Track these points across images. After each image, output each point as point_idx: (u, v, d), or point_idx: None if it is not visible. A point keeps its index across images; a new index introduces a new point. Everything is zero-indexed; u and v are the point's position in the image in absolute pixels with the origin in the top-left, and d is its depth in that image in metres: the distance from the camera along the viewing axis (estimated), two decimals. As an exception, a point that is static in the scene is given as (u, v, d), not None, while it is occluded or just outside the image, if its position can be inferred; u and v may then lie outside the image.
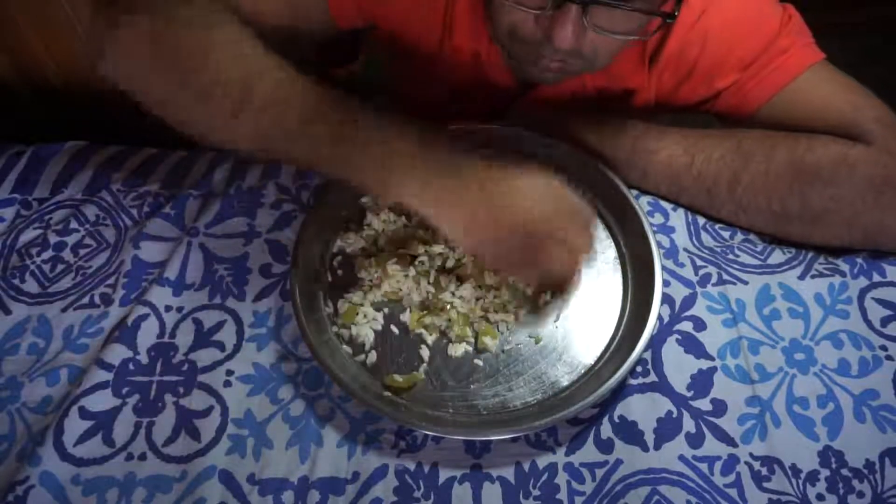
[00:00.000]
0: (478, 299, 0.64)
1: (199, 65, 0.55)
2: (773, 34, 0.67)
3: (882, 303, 0.65)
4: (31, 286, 0.69)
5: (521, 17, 0.59)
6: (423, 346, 0.63)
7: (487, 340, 0.62)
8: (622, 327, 0.63)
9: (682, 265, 0.68)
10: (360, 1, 0.71)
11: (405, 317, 0.64)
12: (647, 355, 0.63)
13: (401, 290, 0.65)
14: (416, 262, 0.66)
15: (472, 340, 0.63)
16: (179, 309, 0.67)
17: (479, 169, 0.54)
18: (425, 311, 0.64)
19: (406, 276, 0.65)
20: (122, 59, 0.58)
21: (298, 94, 0.54)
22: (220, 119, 0.55)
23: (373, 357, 0.62)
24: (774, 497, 0.56)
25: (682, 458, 0.58)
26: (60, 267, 0.71)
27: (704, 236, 0.71)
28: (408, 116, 0.55)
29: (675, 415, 0.60)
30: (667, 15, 0.56)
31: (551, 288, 0.64)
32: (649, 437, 0.59)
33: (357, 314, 0.64)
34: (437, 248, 0.66)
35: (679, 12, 0.56)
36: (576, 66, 0.63)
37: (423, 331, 0.63)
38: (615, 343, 0.62)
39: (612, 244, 0.69)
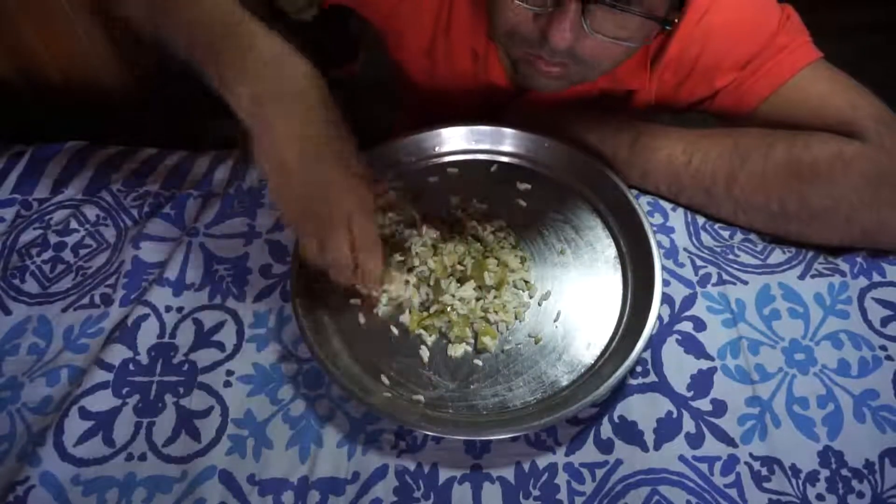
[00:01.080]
0: (478, 300, 0.64)
1: None
2: (771, 33, 0.67)
3: (882, 303, 0.65)
4: (31, 286, 0.69)
5: (520, 17, 0.58)
6: (422, 347, 0.63)
7: (487, 340, 0.62)
8: (622, 327, 0.63)
9: (682, 265, 0.68)
10: None
11: (405, 318, 0.64)
12: (647, 355, 0.63)
13: (401, 294, 0.65)
14: (415, 271, 0.66)
15: (472, 341, 0.63)
16: (179, 309, 0.67)
17: (318, 111, 0.55)
18: (425, 313, 0.64)
19: (407, 281, 0.65)
20: None
21: None
22: (141, 12, 0.62)
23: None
24: (774, 497, 0.56)
25: (682, 458, 0.58)
26: (60, 267, 0.71)
27: (704, 236, 0.71)
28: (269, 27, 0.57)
29: (675, 415, 0.60)
30: (666, 21, 0.56)
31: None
32: (649, 438, 0.59)
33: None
34: (434, 259, 0.66)
35: (679, 20, 0.56)
36: (575, 72, 0.63)
37: (422, 332, 0.63)
38: (615, 343, 0.62)
39: (612, 244, 0.69)
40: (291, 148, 0.54)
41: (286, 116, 0.54)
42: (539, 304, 0.65)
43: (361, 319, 0.64)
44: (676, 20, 0.56)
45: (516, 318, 0.64)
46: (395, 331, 0.64)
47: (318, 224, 0.56)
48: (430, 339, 0.63)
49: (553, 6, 0.55)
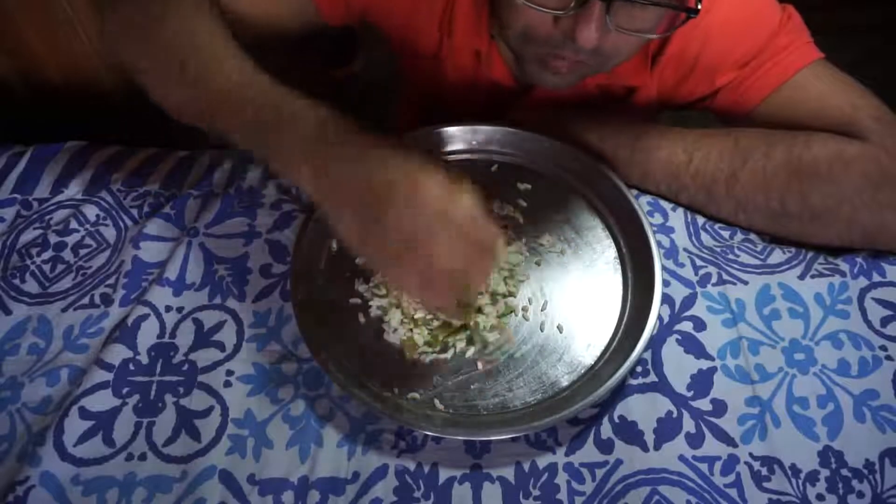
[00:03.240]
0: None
1: (153, 34, 0.62)
2: (772, 32, 0.67)
3: (882, 303, 0.65)
4: (31, 286, 0.69)
5: (537, 19, 0.58)
6: (423, 346, 0.63)
7: (487, 335, 0.62)
8: (622, 327, 0.63)
9: (682, 265, 0.68)
10: None
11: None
12: (647, 355, 0.63)
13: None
14: None
15: (473, 341, 0.63)
16: (179, 309, 0.67)
17: (376, 157, 0.50)
18: (438, 332, 0.63)
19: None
20: (110, 35, 0.67)
21: (224, 71, 0.58)
22: (164, 86, 0.62)
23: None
24: (774, 497, 0.56)
25: (682, 458, 0.58)
26: (60, 267, 0.71)
27: (704, 236, 0.71)
28: (321, 101, 0.54)
29: (675, 415, 0.60)
30: (690, 10, 0.56)
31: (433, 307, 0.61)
32: (649, 438, 0.59)
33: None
34: None
35: (700, 6, 0.56)
36: (590, 64, 0.63)
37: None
38: (615, 343, 0.62)
39: (612, 244, 0.69)
40: (371, 203, 0.49)
41: (350, 174, 0.50)
42: (539, 305, 0.65)
43: (361, 319, 0.64)
44: (700, 6, 0.56)
45: (516, 316, 0.64)
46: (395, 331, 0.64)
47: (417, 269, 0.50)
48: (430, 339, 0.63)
49: (576, 7, 0.54)
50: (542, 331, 0.64)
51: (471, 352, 0.62)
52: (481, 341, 0.63)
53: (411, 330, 0.63)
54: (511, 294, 0.65)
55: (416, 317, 0.63)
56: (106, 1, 0.67)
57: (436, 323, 0.63)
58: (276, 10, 0.69)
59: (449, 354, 0.62)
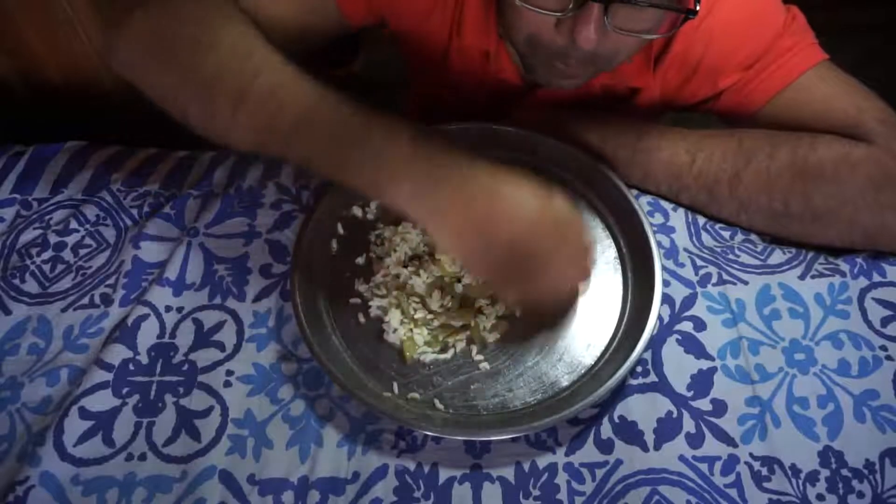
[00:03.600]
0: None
1: (200, 60, 0.57)
2: (776, 34, 0.67)
3: (882, 303, 0.65)
4: (31, 286, 0.69)
5: (540, 24, 0.58)
6: (423, 346, 0.63)
7: (487, 335, 0.62)
8: (622, 327, 0.63)
9: (682, 265, 0.68)
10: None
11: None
12: (647, 355, 0.63)
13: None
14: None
15: (473, 340, 0.63)
16: (179, 309, 0.67)
17: (478, 174, 0.52)
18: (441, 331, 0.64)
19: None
20: (126, 54, 0.61)
21: (295, 94, 0.55)
22: (218, 115, 0.57)
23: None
24: (774, 497, 0.56)
25: (682, 458, 0.58)
26: (60, 267, 0.71)
27: (704, 236, 0.71)
28: (404, 117, 0.54)
29: (675, 415, 0.60)
30: (688, 11, 0.56)
31: (538, 315, 0.64)
32: (649, 438, 0.59)
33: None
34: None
35: (699, 6, 0.56)
36: (592, 68, 0.63)
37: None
38: (615, 343, 0.62)
39: (612, 244, 0.69)
40: (469, 220, 0.51)
41: (453, 196, 0.51)
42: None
43: (361, 319, 0.64)
44: (698, 7, 0.56)
45: (516, 315, 0.64)
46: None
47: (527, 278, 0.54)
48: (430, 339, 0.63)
49: (574, 10, 0.55)
50: (542, 331, 0.64)
51: (471, 352, 0.62)
52: (481, 341, 0.63)
53: (411, 330, 0.63)
54: None
55: (416, 317, 0.63)
56: (115, 9, 0.61)
57: (436, 323, 0.63)
58: (300, 14, 0.68)
59: (449, 354, 0.62)
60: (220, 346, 0.64)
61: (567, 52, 0.59)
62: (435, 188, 0.52)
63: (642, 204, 0.71)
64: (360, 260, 0.68)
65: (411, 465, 0.58)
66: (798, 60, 0.67)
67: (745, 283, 0.67)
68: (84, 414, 0.60)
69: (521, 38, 0.61)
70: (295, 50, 0.59)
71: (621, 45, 0.59)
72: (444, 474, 0.58)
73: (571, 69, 0.62)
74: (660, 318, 0.63)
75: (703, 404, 0.60)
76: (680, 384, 0.61)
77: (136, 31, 0.60)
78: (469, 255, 0.54)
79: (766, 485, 0.56)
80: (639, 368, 0.62)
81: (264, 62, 0.56)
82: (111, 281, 0.69)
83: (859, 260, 0.67)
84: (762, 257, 0.68)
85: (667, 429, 0.59)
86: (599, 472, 0.57)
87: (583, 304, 0.65)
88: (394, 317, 0.63)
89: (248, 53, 0.57)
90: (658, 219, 0.72)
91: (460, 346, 0.63)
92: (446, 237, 0.53)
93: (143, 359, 0.64)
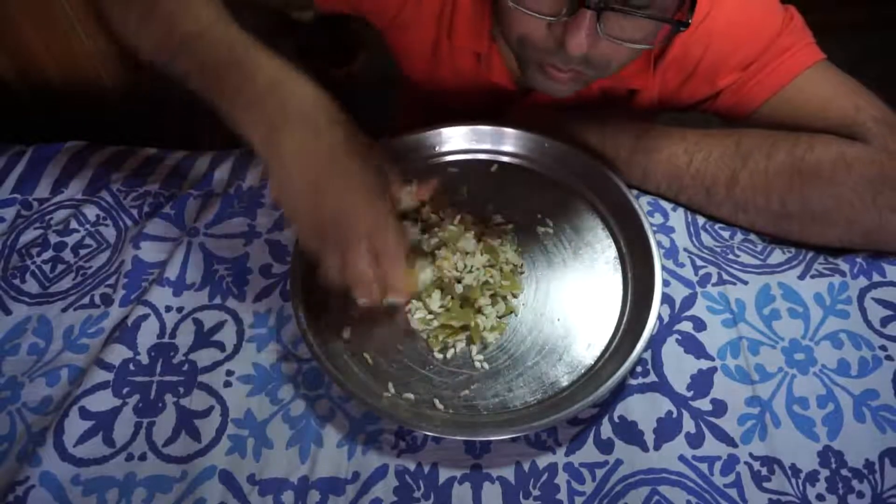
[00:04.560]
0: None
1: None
2: (774, 34, 0.67)
3: (882, 303, 0.65)
4: (31, 286, 0.69)
5: (533, 25, 0.58)
6: (423, 346, 0.63)
7: (487, 335, 0.62)
8: (622, 327, 0.63)
9: (682, 265, 0.68)
10: None
11: (410, 316, 0.64)
12: (647, 355, 0.63)
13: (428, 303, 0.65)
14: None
15: (473, 340, 0.63)
16: (179, 309, 0.67)
17: (332, 138, 0.55)
18: (446, 328, 0.64)
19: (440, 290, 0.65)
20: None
21: (192, 14, 0.59)
22: (129, 24, 0.63)
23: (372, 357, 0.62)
24: (774, 497, 0.56)
25: (682, 458, 0.58)
26: (60, 267, 0.71)
27: (704, 236, 0.71)
28: (280, 57, 0.57)
29: (675, 415, 0.60)
30: (680, 23, 0.56)
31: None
32: (649, 437, 0.59)
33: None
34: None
35: (691, 20, 0.56)
36: (588, 75, 0.63)
37: (427, 333, 0.63)
38: (615, 343, 0.62)
39: (612, 244, 0.69)
40: (302, 173, 0.54)
41: (293, 142, 0.54)
42: (539, 305, 0.65)
43: (362, 319, 0.64)
44: (690, 21, 0.56)
45: (516, 316, 0.64)
46: (395, 330, 0.64)
47: (336, 245, 0.55)
48: (430, 337, 0.63)
49: (567, 15, 0.55)
50: (542, 331, 0.64)
51: (471, 352, 0.62)
52: (481, 341, 0.63)
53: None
54: (513, 295, 0.65)
55: (416, 317, 0.63)
56: None
57: (435, 323, 0.63)
58: None
59: (449, 354, 0.62)
60: (220, 346, 0.65)
61: (557, 56, 0.59)
62: (283, 130, 0.54)
63: (642, 204, 0.71)
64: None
65: (411, 465, 0.58)
66: (796, 60, 0.67)
67: (745, 283, 0.67)
68: (84, 414, 0.60)
69: (513, 37, 0.62)
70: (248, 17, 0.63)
71: (614, 53, 0.59)
72: (444, 474, 0.58)
73: (565, 74, 0.62)
74: (660, 318, 0.63)
75: (703, 404, 0.60)
76: (680, 384, 0.61)
77: None
78: (281, 203, 0.56)
79: (766, 485, 0.56)
80: (639, 368, 0.62)
81: (194, 8, 0.60)
82: (111, 281, 0.69)
83: (859, 260, 0.67)
84: (762, 257, 0.68)
85: (667, 429, 0.59)
86: (599, 472, 0.57)
87: (583, 304, 0.65)
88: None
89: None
90: (658, 219, 0.72)
91: (460, 346, 0.63)
92: (273, 175, 0.55)
93: (144, 359, 0.64)
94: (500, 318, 0.64)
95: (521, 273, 0.67)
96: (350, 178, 0.55)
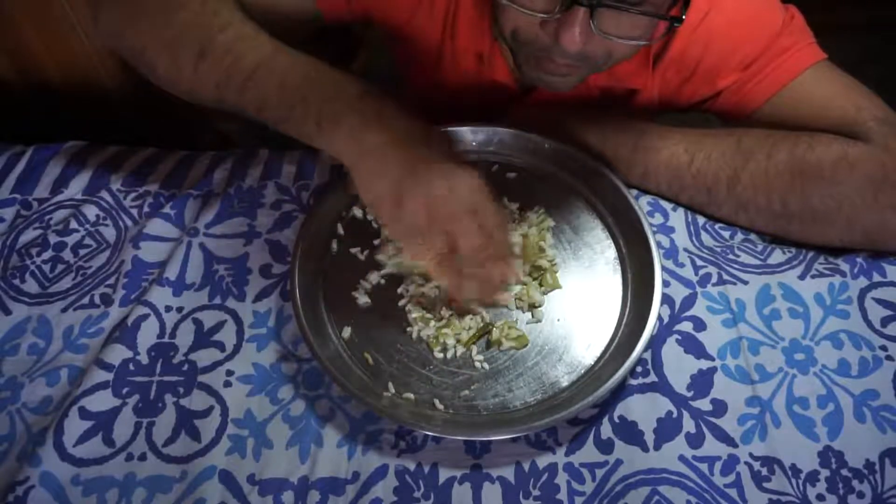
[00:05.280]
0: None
1: (169, 19, 0.61)
2: (774, 34, 0.67)
3: (882, 303, 0.65)
4: (31, 286, 0.69)
5: (526, 21, 0.58)
6: (423, 346, 0.63)
7: (496, 334, 0.63)
8: (622, 327, 0.63)
9: (682, 265, 0.68)
10: None
11: (410, 315, 0.64)
12: (647, 355, 0.63)
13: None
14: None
15: (473, 339, 0.63)
16: (179, 309, 0.67)
17: (418, 136, 0.54)
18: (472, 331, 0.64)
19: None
20: (105, 23, 0.66)
21: (252, 46, 0.59)
22: (183, 70, 0.61)
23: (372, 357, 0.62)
24: (774, 497, 0.56)
25: (682, 458, 0.58)
26: (60, 267, 0.71)
27: (704, 236, 0.71)
28: (356, 76, 0.57)
29: (675, 415, 0.60)
30: (674, 19, 0.56)
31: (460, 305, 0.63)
32: (649, 438, 0.59)
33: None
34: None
35: (686, 16, 0.56)
36: (583, 69, 0.63)
37: (427, 332, 0.63)
38: (615, 343, 0.62)
39: (612, 244, 0.69)
40: (395, 166, 0.53)
41: (381, 140, 0.53)
42: (539, 305, 0.65)
43: (362, 319, 0.64)
44: (684, 16, 0.56)
45: (539, 322, 0.64)
46: (395, 330, 0.64)
47: (441, 226, 0.53)
48: (430, 337, 0.63)
49: (561, 11, 0.55)
50: (542, 331, 0.64)
51: (471, 352, 0.62)
52: (497, 346, 0.63)
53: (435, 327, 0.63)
54: (539, 304, 0.65)
55: (414, 316, 0.63)
56: None
57: (436, 325, 0.63)
58: (276, 4, 0.69)
59: (449, 354, 0.62)
60: (220, 346, 0.64)
61: (551, 51, 0.59)
62: (371, 129, 0.53)
63: (642, 204, 0.71)
64: (361, 258, 0.68)
65: (411, 465, 0.58)
66: (796, 60, 0.67)
67: (745, 282, 0.67)
68: (84, 414, 0.60)
69: (508, 33, 0.62)
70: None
71: (612, 47, 0.59)
72: (444, 474, 0.58)
73: (560, 67, 0.62)
74: (660, 318, 0.63)
75: (703, 404, 0.60)
76: (680, 384, 0.61)
77: (110, 3, 0.65)
78: (378, 201, 0.54)
79: (766, 485, 0.56)
80: (639, 368, 0.62)
81: (228, 20, 0.60)
82: (111, 281, 0.69)
83: (859, 260, 0.67)
84: (762, 257, 0.68)
85: (667, 429, 0.59)
86: (599, 472, 0.57)
87: (583, 304, 0.65)
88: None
89: (215, 12, 0.60)
90: (658, 219, 0.72)
91: (460, 347, 0.63)
92: (363, 177, 0.53)
93: (143, 359, 0.64)
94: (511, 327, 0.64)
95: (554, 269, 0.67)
96: (442, 164, 0.54)
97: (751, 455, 0.58)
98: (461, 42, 0.73)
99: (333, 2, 0.72)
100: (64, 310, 0.67)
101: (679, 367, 0.62)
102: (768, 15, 0.68)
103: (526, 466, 0.58)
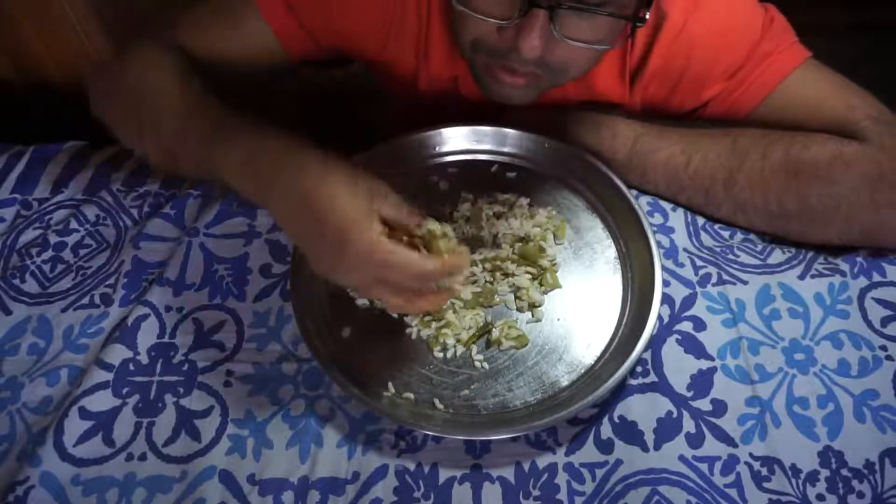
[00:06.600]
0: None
1: (127, 95, 0.65)
2: (756, 39, 0.66)
3: (882, 303, 0.65)
4: (31, 286, 0.69)
5: (485, 29, 0.58)
6: (423, 346, 0.63)
7: (504, 341, 0.62)
8: (622, 327, 0.63)
9: (681, 265, 0.68)
10: (313, 29, 0.71)
11: (406, 317, 0.64)
12: (647, 355, 0.63)
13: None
14: None
15: (473, 339, 0.63)
16: (179, 309, 0.67)
17: (310, 162, 0.50)
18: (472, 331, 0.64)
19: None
20: (93, 98, 0.69)
21: (185, 106, 0.60)
22: (136, 138, 0.65)
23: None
24: (774, 497, 0.56)
25: (682, 458, 0.58)
26: (60, 267, 0.71)
27: (704, 236, 0.71)
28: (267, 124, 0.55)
29: (675, 415, 0.60)
30: (637, 19, 0.55)
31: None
32: (649, 438, 0.59)
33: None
34: None
35: (648, 16, 0.55)
36: (544, 79, 0.62)
37: (427, 332, 0.63)
38: (615, 343, 0.62)
39: (613, 244, 0.69)
40: (320, 228, 0.49)
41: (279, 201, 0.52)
42: (539, 305, 0.65)
43: (361, 319, 0.64)
44: (647, 16, 0.55)
45: (539, 322, 0.64)
46: (395, 330, 0.64)
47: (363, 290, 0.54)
48: (430, 337, 0.63)
49: (520, 17, 0.54)
50: (541, 331, 0.64)
51: (471, 352, 0.62)
52: (497, 345, 0.63)
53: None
54: (539, 303, 0.65)
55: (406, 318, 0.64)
56: (91, 73, 0.71)
57: (436, 325, 0.63)
58: (240, 51, 0.70)
59: (449, 354, 0.62)
60: (220, 346, 0.65)
61: (510, 58, 0.59)
62: (266, 162, 0.52)
63: (642, 204, 0.71)
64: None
65: (411, 465, 0.58)
66: (781, 63, 0.67)
67: (745, 282, 0.67)
68: (84, 414, 0.60)
69: (466, 43, 0.61)
70: (243, 82, 0.66)
71: (571, 55, 0.59)
72: (444, 474, 0.58)
73: (519, 78, 0.61)
74: (660, 318, 0.63)
75: (703, 404, 0.60)
76: (680, 384, 0.61)
77: (95, 91, 0.69)
78: (303, 246, 0.52)
79: (766, 485, 0.56)
80: (639, 368, 0.62)
81: (160, 86, 0.62)
82: (111, 281, 0.69)
83: (859, 259, 0.67)
84: (762, 257, 0.68)
85: (667, 429, 0.59)
86: (599, 472, 0.57)
87: (583, 303, 0.65)
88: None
89: (157, 80, 0.63)
90: (658, 219, 0.72)
91: (460, 346, 0.63)
92: (281, 217, 0.53)
93: (143, 359, 0.64)
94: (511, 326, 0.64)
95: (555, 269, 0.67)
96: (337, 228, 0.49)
97: (751, 455, 0.58)
98: (435, 67, 0.74)
99: (299, 41, 0.72)
100: (64, 310, 0.67)
101: (679, 366, 0.62)
102: (748, 20, 0.67)
103: (526, 466, 0.58)
